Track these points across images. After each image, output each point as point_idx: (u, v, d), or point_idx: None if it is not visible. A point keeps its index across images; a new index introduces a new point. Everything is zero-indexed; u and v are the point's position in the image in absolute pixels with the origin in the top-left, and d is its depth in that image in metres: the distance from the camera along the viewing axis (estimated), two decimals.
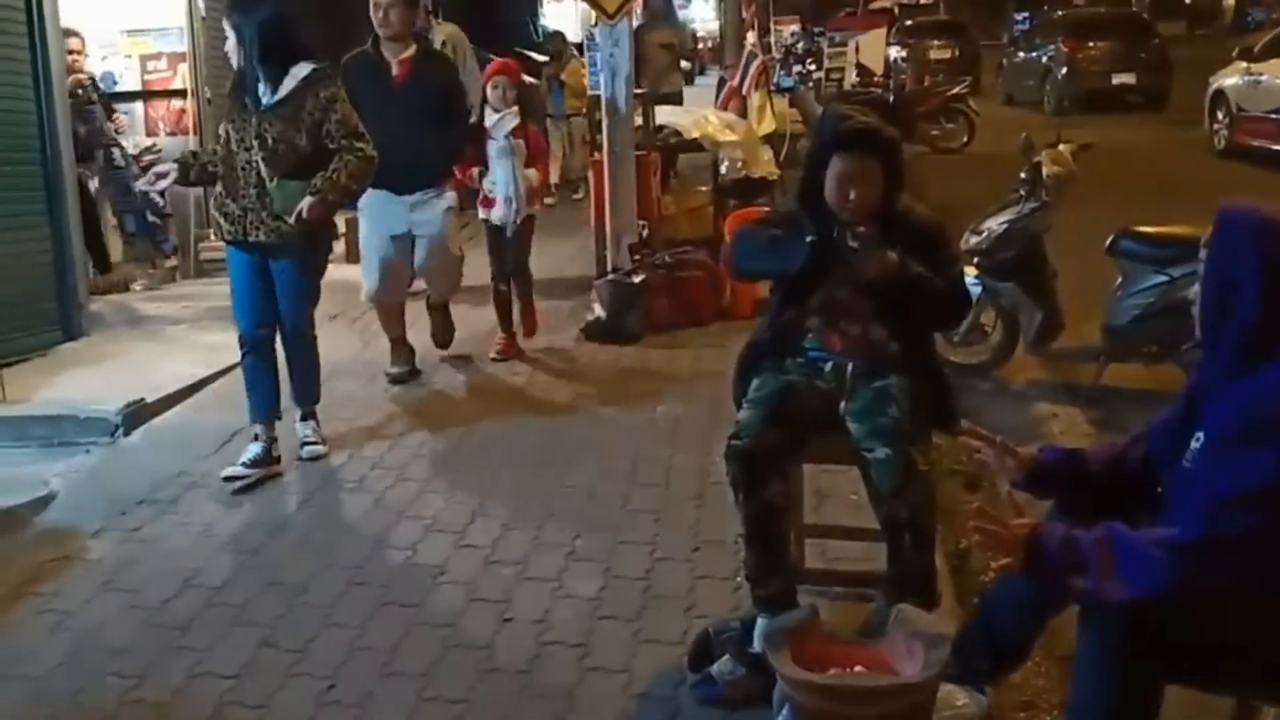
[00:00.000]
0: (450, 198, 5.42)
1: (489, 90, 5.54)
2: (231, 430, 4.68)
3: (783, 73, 16.38)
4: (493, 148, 5.50)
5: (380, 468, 4.49)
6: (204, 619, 3.39)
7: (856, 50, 15.67)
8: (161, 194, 6.86)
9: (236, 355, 4.59)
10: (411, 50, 5.33)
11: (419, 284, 5.81)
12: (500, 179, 5.52)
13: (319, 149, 4.25)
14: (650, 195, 6.93)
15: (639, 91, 7.01)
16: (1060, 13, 23.53)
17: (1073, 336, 5.48)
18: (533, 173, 5.64)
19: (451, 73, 5.69)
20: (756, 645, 2.82)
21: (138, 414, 4.96)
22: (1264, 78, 11.90)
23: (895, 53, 21.39)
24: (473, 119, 5.71)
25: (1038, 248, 5.44)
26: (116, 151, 7.06)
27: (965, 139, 14.23)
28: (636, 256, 6.53)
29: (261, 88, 4.23)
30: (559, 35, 12.12)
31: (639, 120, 6.97)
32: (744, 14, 13.00)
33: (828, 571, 3.34)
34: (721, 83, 11.51)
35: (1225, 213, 2.22)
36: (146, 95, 7.94)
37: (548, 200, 9.51)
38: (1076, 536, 2.13)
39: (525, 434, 4.83)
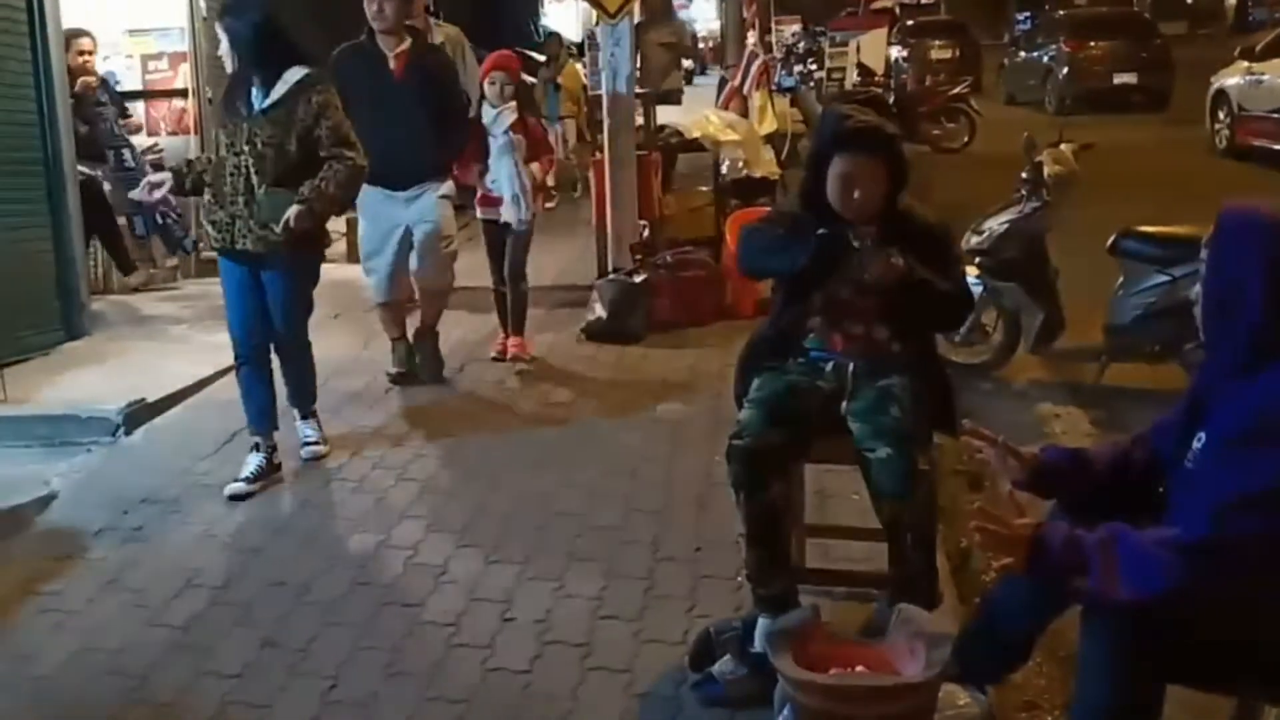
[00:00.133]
0: (446, 187, 5.35)
1: (486, 86, 5.45)
2: (233, 430, 4.68)
3: (784, 72, 16.41)
4: (492, 145, 5.42)
5: (381, 467, 4.50)
6: (206, 619, 3.39)
7: (858, 50, 15.68)
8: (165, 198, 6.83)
9: None
10: (407, 44, 5.24)
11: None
12: (503, 176, 5.42)
13: (309, 156, 4.16)
14: (651, 195, 6.94)
15: (640, 91, 7.01)
16: (1062, 12, 23.53)
17: (1074, 336, 5.48)
18: (535, 167, 5.54)
19: (449, 68, 5.61)
20: (758, 645, 2.83)
21: (139, 413, 4.96)
22: (1266, 77, 11.89)
23: (896, 52, 21.42)
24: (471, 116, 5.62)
25: (1039, 247, 5.44)
26: (126, 153, 7.04)
27: (966, 139, 14.24)
28: (638, 256, 6.53)
29: (254, 92, 4.18)
30: (555, 37, 12.05)
31: (640, 120, 6.97)
32: (745, 13, 12.99)
33: (829, 571, 3.33)
34: (723, 82, 11.52)
35: (1227, 213, 2.21)
36: (148, 95, 7.94)
37: (548, 205, 9.48)
38: (1079, 536, 2.13)
39: (526, 434, 4.83)
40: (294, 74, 4.17)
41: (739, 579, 3.29)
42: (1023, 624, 2.49)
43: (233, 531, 3.97)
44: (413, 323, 5.60)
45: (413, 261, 5.39)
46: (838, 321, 3.03)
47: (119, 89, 7.65)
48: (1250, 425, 2.08)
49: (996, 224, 5.47)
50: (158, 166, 6.99)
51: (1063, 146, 5.53)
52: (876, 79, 14.94)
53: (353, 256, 6.87)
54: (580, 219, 8.55)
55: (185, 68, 7.85)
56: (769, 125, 9.65)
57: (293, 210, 4.08)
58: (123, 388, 5.15)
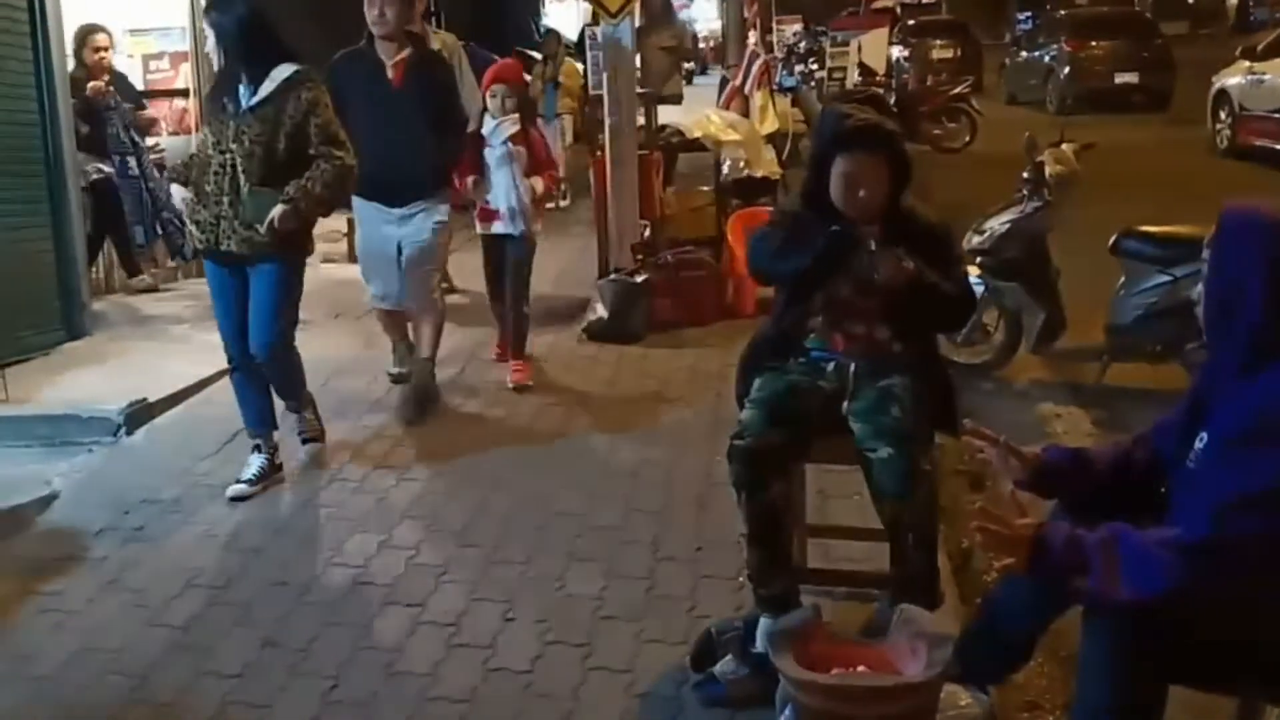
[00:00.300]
0: (443, 210, 5.11)
1: (488, 98, 5.26)
2: (234, 430, 4.67)
3: (785, 72, 16.40)
4: (490, 156, 5.21)
5: (382, 467, 4.50)
6: (207, 618, 3.39)
7: (859, 50, 15.67)
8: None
9: None
10: (407, 51, 5.04)
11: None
12: (500, 188, 5.20)
13: (297, 154, 4.06)
14: (652, 195, 6.93)
15: (641, 91, 7.01)
16: (1063, 12, 23.53)
17: (1076, 336, 5.48)
18: (536, 181, 5.29)
19: (449, 76, 5.38)
20: (759, 645, 2.83)
21: (140, 413, 4.96)
22: (1267, 77, 11.89)
23: (898, 52, 21.42)
24: (470, 128, 5.39)
25: (1040, 247, 5.44)
26: (131, 160, 7.02)
27: (968, 139, 14.24)
28: (639, 256, 6.53)
29: (242, 89, 4.07)
30: (553, 35, 11.95)
31: (641, 120, 6.97)
32: (746, 13, 12.99)
33: (831, 571, 3.33)
34: (724, 82, 11.51)
35: (1229, 213, 2.21)
36: (149, 95, 7.93)
37: (562, 203, 9.44)
38: (1080, 537, 2.13)
39: (527, 434, 4.83)
40: (283, 71, 4.07)
41: (740, 579, 3.29)
42: (1024, 624, 2.49)
43: (233, 531, 3.97)
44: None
45: (403, 277, 5.17)
46: (839, 321, 3.03)
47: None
48: (1250, 425, 2.08)
49: (998, 224, 5.47)
50: (160, 167, 7.00)
51: (1064, 146, 5.52)
52: (878, 79, 14.93)
53: (353, 257, 6.86)
54: (580, 219, 8.55)
55: (186, 67, 7.85)
56: (770, 125, 9.64)
57: (278, 210, 3.98)
58: (124, 388, 5.15)
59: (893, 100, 12.67)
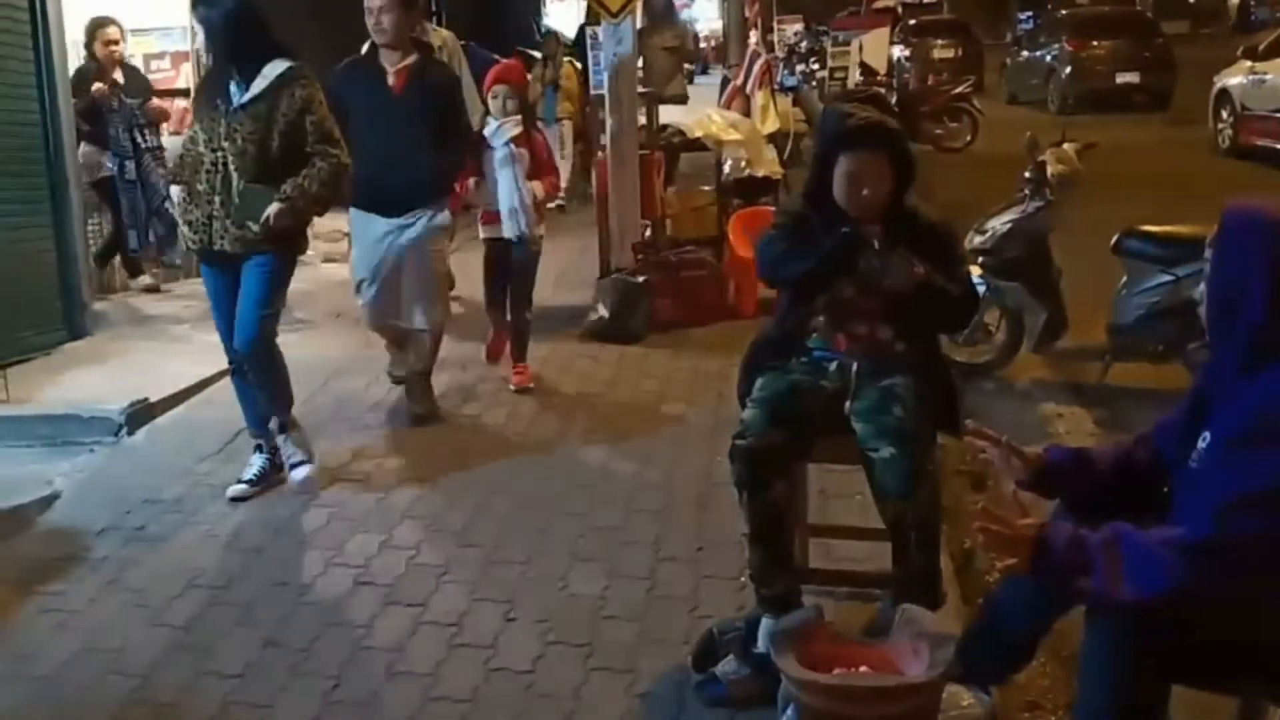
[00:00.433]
0: (442, 218, 4.95)
1: (489, 99, 5.19)
2: (235, 429, 4.67)
3: (786, 72, 16.39)
4: (491, 158, 5.11)
5: (383, 467, 4.49)
6: (208, 618, 3.39)
7: (860, 49, 15.66)
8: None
9: None
10: (411, 59, 4.89)
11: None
12: (501, 191, 5.09)
13: (291, 152, 4.00)
14: (654, 195, 6.93)
15: (643, 91, 7.00)
16: (1064, 12, 23.55)
17: (1077, 336, 5.48)
18: (536, 185, 5.18)
19: (453, 84, 5.17)
20: (761, 645, 2.82)
21: (142, 413, 4.96)
22: (1268, 77, 11.89)
23: (899, 52, 21.41)
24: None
25: (1042, 247, 5.44)
26: (130, 163, 7.01)
27: (969, 138, 14.24)
28: (640, 256, 6.53)
29: (233, 86, 4.01)
30: (552, 36, 11.87)
31: (643, 120, 6.97)
32: (747, 13, 13.00)
33: (832, 571, 3.33)
34: (725, 82, 11.50)
35: (1231, 212, 2.21)
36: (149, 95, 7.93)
37: (561, 205, 9.38)
38: (1083, 536, 2.13)
39: (527, 434, 4.82)
40: (275, 67, 3.99)
41: (742, 579, 3.29)
42: (1026, 624, 2.49)
43: (235, 531, 3.97)
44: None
45: (401, 305, 4.98)
46: (841, 321, 3.02)
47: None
48: (1251, 425, 2.08)
49: (999, 223, 5.47)
50: (164, 167, 6.99)
51: (1065, 146, 5.52)
52: (879, 78, 14.93)
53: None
54: (581, 220, 8.55)
55: (187, 67, 7.85)
56: (771, 125, 9.63)
57: (273, 208, 3.94)
58: (125, 388, 5.15)
59: (894, 100, 12.69)
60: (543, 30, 14.55)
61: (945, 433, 3.08)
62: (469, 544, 3.80)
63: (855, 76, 15.24)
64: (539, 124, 6.35)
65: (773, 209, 7.31)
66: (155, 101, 7.18)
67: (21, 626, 3.38)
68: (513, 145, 5.08)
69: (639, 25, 7.74)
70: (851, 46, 16.11)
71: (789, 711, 2.52)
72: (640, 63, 7.77)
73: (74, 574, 3.69)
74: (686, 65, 11.13)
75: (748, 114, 9.36)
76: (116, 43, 6.96)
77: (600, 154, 6.94)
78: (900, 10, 27.35)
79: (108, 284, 7.26)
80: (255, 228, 3.95)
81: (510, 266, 5.29)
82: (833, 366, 3.01)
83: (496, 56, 7.45)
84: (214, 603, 3.48)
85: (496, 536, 3.84)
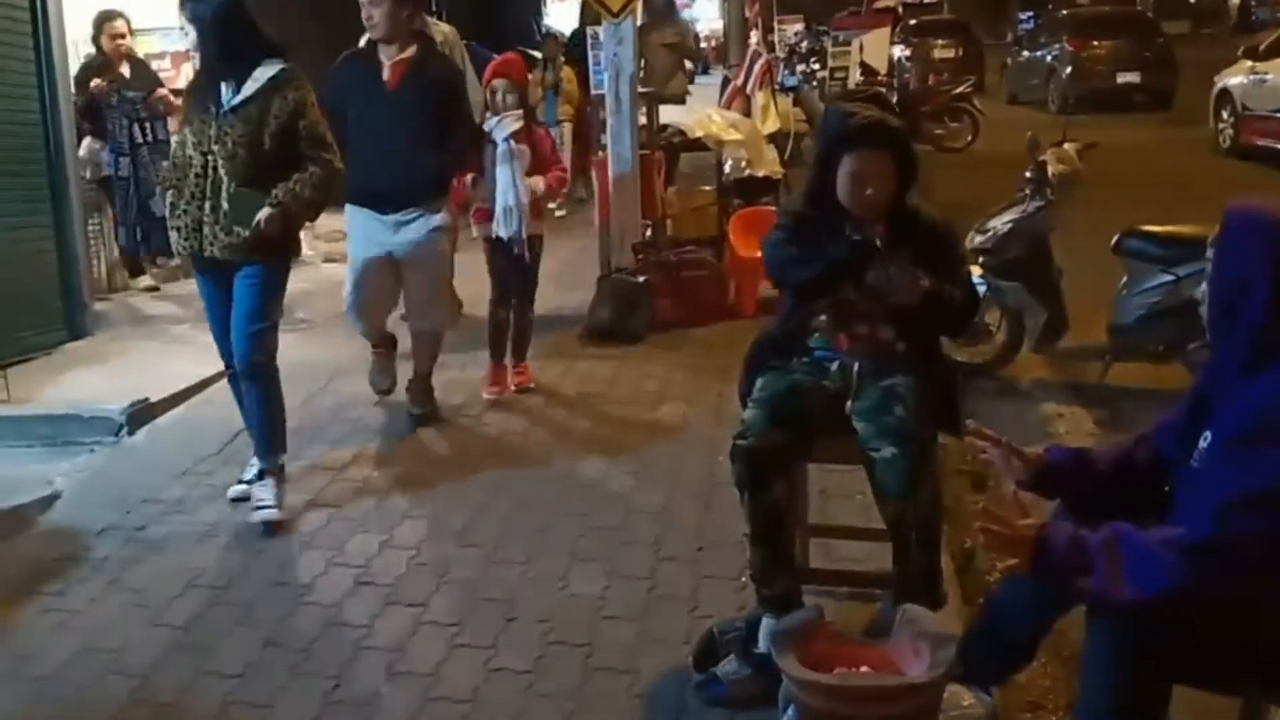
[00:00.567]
0: (440, 218, 4.81)
1: (488, 94, 5.05)
2: (235, 429, 4.67)
3: (787, 72, 16.39)
4: (491, 153, 4.98)
5: (384, 468, 4.49)
6: (208, 618, 3.39)
7: (860, 49, 15.64)
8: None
9: None
10: (409, 52, 4.74)
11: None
12: (498, 187, 4.96)
13: (281, 157, 3.88)
14: (654, 195, 6.93)
15: (643, 90, 7.00)
16: (1065, 11, 23.54)
17: (1078, 336, 5.47)
18: (538, 180, 5.06)
19: (453, 78, 5.00)
20: (762, 645, 2.82)
21: (142, 413, 4.96)
22: (1269, 76, 11.88)
23: (899, 52, 21.38)
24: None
25: (1043, 247, 5.44)
26: (125, 160, 7.02)
27: (970, 138, 14.23)
28: (640, 256, 6.52)
29: (224, 87, 3.88)
30: (552, 38, 11.78)
31: (643, 119, 6.97)
32: (748, 13, 12.97)
33: (833, 571, 3.33)
34: (726, 82, 11.49)
35: (1232, 212, 2.21)
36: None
37: (558, 213, 9.35)
38: (1083, 537, 2.13)
39: (528, 434, 4.82)
40: (267, 69, 3.88)
41: (743, 579, 3.29)
42: (1027, 624, 2.48)
43: (235, 531, 3.97)
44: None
45: (401, 304, 4.98)
46: (843, 321, 3.02)
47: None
48: (1251, 425, 2.08)
49: (1000, 223, 5.46)
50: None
51: (1066, 146, 5.52)
52: (879, 78, 14.92)
53: None
54: (582, 219, 8.55)
55: (188, 67, 7.83)
56: (772, 125, 9.63)
57: (263, 213, 3.82)
58: (125, 387, 5.15)
59: (894, 100, 12.68)
60: (542, 31, 14.48)
61: (946, 433, 3.08)
62: (469, 544, 3.80)
63: (856, 76, 15.21)
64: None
65: (773, 209, 7.32)
66: (160, 92, 7.11)
67: (22, 626, 3.38)
68: (512, 141, 4.97)
69: (638, 22, 7.71)
70: (852, 46, 16.08)
71: (790, 712, 2.52)
72: (640, 61, 7.74)
73: (74, 574, 3.69)
74: (688, 63, 11.06)
75: (748, 114, 9.35)
76: (124, 36, 6.95)
77: (600, 154, 6.93)
78: (901, 10, 27.32)
79: (108, 284, 7.25)
80: (245, 233, 3.85)
81: (510, 266, 5.18)
82: (834, 366, 3.01)
83: (497, 55, 7.42)
84: (214, 603, 3.48)
85: (497, 537, 3.84)
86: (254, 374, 4.01)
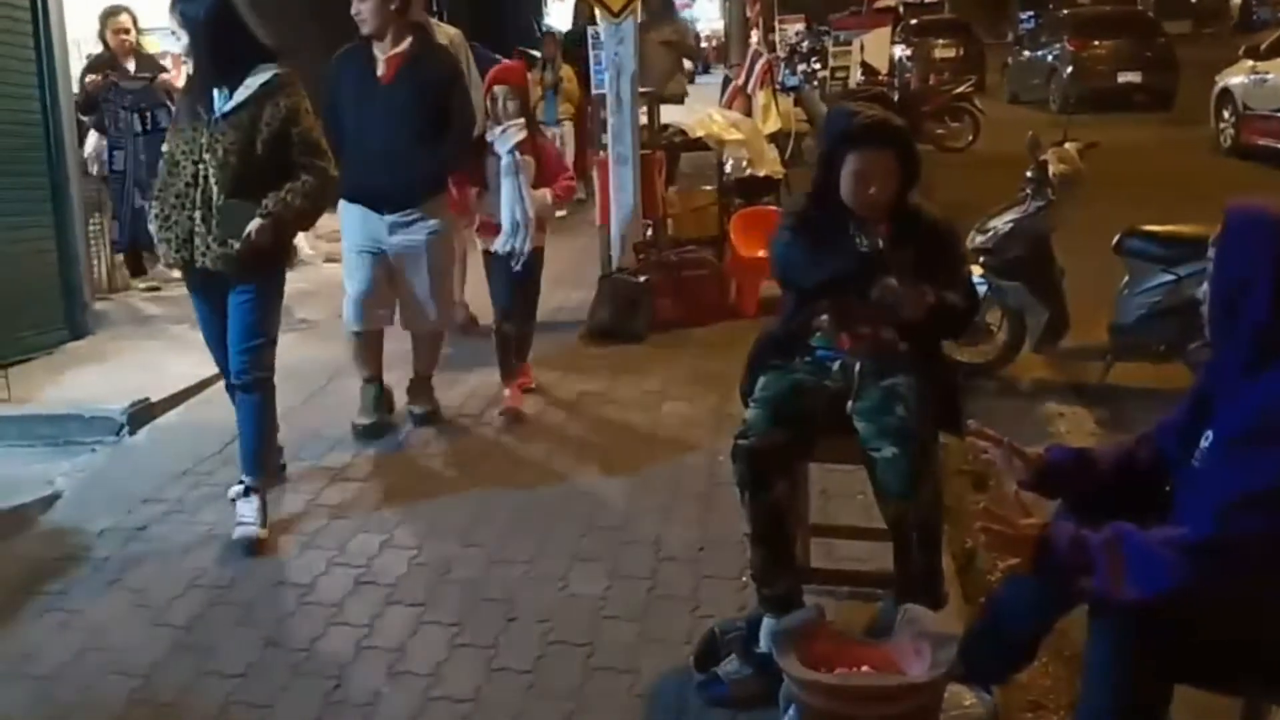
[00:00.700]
0: (438, 222, 4.70)
1: (488, 102, 4.83)
2: (235, 430, 4.67)
3: (787, 71, 16.40)
4: (494, 165, 4.78)
5: (385, 468, 4.49)
6: (209, 618, 3.39)
7: (861, 49, 15.66)
8: None
9: None
10: (404, 46, 4.61)
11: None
12: (503, 201, 4.77)
13: (274, 164, 3.76)
14: (655, 194, 6.93)
15: (644, 90, 7.00)
16: (1065, 11, 23.55)
17: (1079, 336, 5.47)
18: (544, 193, 4.87)
19: (449, 71, 4.81)
20: (763, 645, 2.82)
21: (143, 413, 4.96)
22: (1270, 76, 11.89)
23: (900, 51, 21.41)
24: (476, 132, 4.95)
25: (1044, 247, 5.43)
26: (119, 154, 7.02)
27: (970, 138, 14.23)
28: (641, 256, 6.52)
29: (216, 93, 3.78)
30: (550, 36, 11.71)
31: (644, 119, 6.96)
32: (749, 12, 12.98)
33: (834, 571, 3.33)
34: (726, 81, 11.49)
35: (1234, 212, 2.21)
36: None
37: (559, 213, 9.32)
38: (1085, 536, 2.13)
39: (528, 435, 4.82)
40: (260, 75, 3.77)
41: (744, 579, 3.29)
42: (1028, 624, 2.48)
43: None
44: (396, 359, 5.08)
45: (398, 308, 4.84)
46: (845, 321, 3.02)
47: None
48: (1253, 424, 2.08)
49: (1001, 223, 5.46)
50: None
51: (1067, 145, 5.51)
52: (880, 78, 14.92)
53: None
54: (582, 219, 8.55)
55: (187, 69, 7.83)
56: (773, 124, 9.63)
57: (255, 223, 3.70)
58: (126, 387, 5.15)
59: (895, 99, 12.69)
60: (543, 30, 14.45)
61: (947, 432, 3.09)
62: (470, 544, 3.80)
63: (857, 76, 15.23)
64: (540, 124, 6.17)
65: (774, 208, 7.33)
66: (163, 76, 7.04)
67: (23, 626, 3.38)
68: (517, 153, 4.76)
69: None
70: (853, 46, 16.10)
71: (790, 712, 2.52)
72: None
73: (75, 574, 3.69)
74: (687, 63, 11.02)
75: (749, 114, 9.36)
76: (127, 31, 6.97)
77: (601, 153, 6.93)
78: (901, 10, 27.35)
79: (109, 283, 7.25)
80: (237, 245, 3.72)
81: (508, 281, 4.98)
82: (836, 366, 3.01)
83: (498, 56, 7.42)
84: (215, 602, 3.48)
85: (497, 536, 3.84)
86: (250, 390, 3.91)
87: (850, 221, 2.97)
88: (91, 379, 5.46)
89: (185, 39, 3.81)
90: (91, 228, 6.80)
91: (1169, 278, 5.03)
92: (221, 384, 5.19)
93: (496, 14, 14.57)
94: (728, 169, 7.86)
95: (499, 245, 4.85)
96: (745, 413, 3.00)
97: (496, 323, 5.08)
